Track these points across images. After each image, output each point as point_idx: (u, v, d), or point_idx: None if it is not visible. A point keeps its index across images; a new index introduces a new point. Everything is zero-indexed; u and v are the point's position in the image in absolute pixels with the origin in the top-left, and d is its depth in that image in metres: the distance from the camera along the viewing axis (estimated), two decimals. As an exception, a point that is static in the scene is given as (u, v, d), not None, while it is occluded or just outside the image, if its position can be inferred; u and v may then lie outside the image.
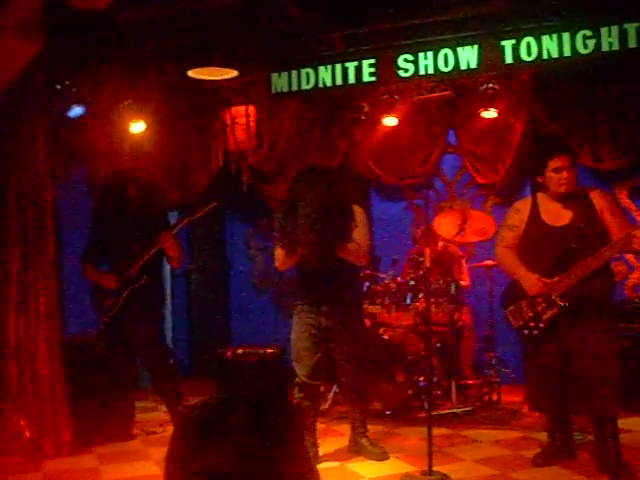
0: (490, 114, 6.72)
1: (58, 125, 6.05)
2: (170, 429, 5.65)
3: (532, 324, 4.69)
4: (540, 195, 4.83)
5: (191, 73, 5.90)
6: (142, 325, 5.72)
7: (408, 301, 6.33)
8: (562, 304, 4.56)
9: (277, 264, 5.18)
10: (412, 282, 6.33)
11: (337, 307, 5.06)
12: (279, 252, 5.07)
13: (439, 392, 6.34)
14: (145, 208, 5.85)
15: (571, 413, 4.88)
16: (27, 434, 5.46)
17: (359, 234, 5.01)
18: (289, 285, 7.73)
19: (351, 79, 5.91)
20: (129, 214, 5.80)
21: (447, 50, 5.59)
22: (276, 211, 5.14)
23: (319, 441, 5.24)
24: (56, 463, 5.35)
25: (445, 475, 4.64)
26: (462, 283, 6.90)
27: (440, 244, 6.94)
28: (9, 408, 5.50)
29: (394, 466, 5.07)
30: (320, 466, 5.07)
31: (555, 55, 5.28)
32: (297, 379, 5.12)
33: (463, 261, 7.09)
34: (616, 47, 5.11)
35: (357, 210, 5.09)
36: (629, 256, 6.93)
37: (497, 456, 5.16)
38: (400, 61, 5.73)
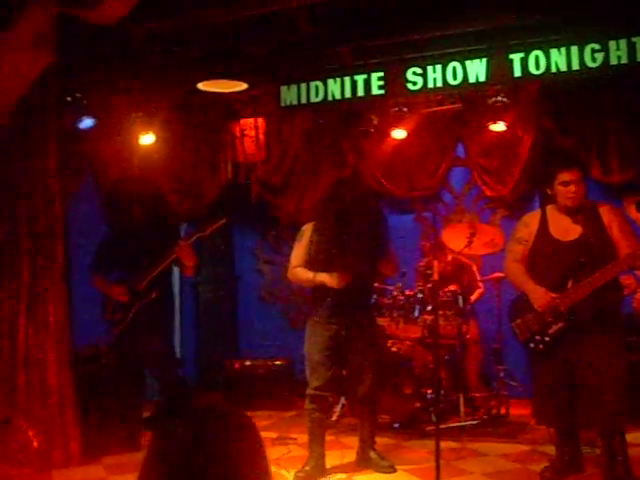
0: (498, 127, 6.73)
1: (68, 137, 6.09)
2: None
3: (538, 338, 4.68)
4: (549, 208, 4.82)
5: (201, 85, 5.94)
6: (151, 338, 5.73)
7: (416, 314, 6.34)
8: (569, 319, 4.55)
9: (292, 278, 5.23)
10: (420, 295, 6.33)
11: (354, 318, 5.08)
12: (300, 272, 5.11)
13: (447, 405, 6.32)
14: (153, 220, 5.86)
15: (579, 427, 4.86)
16: (35, 444, 5.47)
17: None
18: (297, 297, 7.77)
19: (360, 92, 5.94)
20: (136, 226, 5.82)
21: (456, 63, 5.61)
22: (308, 234, 5.18)
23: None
24: (65, 473, 5.37)
25: (453, 488, 4.64)
26: (476, 294, 6.91)
27: (449, 256, 6.94)
28: (18, 418, 5.52)
29: (402, 479, 5.06)
30: (328, 478, 5.07)
31: (563, 68, 5.30)
32: (309, 390, 5.13)
33: (474, 268, 7.08)
34: (624, 60, 5.13)
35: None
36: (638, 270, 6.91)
37: (505, 470, 5.14)
38: (409, 74, 5.75)
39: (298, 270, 5.14)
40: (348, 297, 5.01)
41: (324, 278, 4.97)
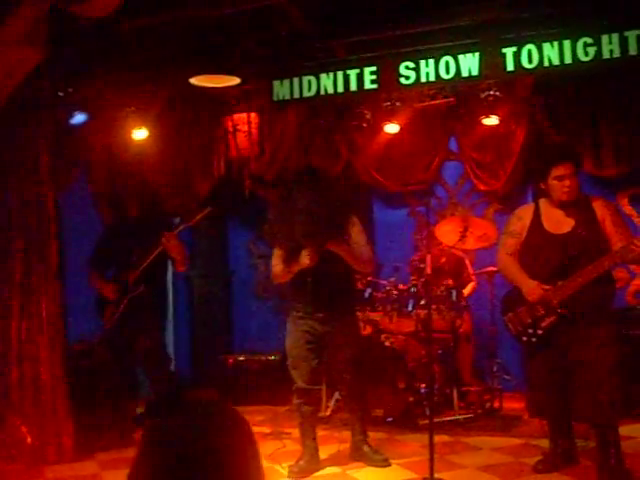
0: (491, 121, 6.73)
1: (60, 132, 6.07)
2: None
3: (530, 331, 4.70)
4: (542, 201, 4.83)
5: (193, 80, 5.92)
6: (142, 333, 5.73)
7: (410, 308, 6.34)
8: (561, 312, 4.56)
9: (273, 277, 5.23)
10: (413, 289, 6.33)
11: (332, 313, 5.06)
12: (278, 267, 5.10)
13: (440, 399, 6.33)
14: (146, 216, 5.86)
15: (572, 420, 4.88)
16: (29, 440, 5.47)
17: (358, 236, 5.06)
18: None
19: (353, 86, 5.92)
20: (129, 222, 5.82)
21: (448, 57, 5.59)
22: (268, 217, 5.16)
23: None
24: (58, 469, 5.36)
25: (446, 482, 4.65)
26: (469, 287, 6.91)
27: (442, 250, 6.94)
28: (11, 414, 5.51)
29: (395, 473, 5.07)
30: (322, 472, 5.09)
31: (556, 62, 5.29)
32: (295, 385, 5.13)
33: (467, 262, 7.09)
34: (617, 54, 5.12)
35: (354, 220, 5.13)
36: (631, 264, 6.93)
37: (498, 463, 5.16)
38: (401, 68, 5.74)
39: (277, 268, 5.14)
40: (325, 292, 5.00)
41: (296, 265, 4.97)
